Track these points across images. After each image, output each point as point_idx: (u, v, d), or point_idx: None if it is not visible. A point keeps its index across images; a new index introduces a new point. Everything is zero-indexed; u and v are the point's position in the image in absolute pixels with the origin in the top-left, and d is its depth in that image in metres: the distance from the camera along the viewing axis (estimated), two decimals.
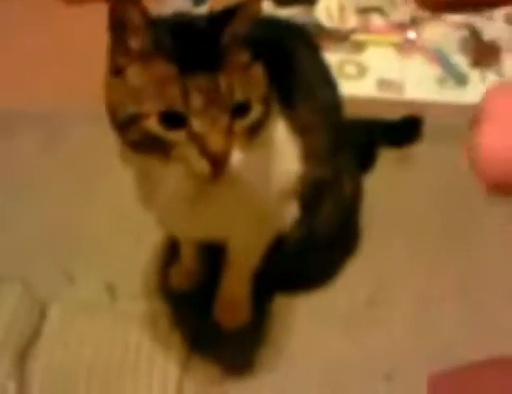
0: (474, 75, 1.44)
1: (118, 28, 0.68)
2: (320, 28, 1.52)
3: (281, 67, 0.81)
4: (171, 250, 1.10)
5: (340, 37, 1.52)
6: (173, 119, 0.67)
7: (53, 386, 0.96)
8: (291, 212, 0.90)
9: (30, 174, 1.25)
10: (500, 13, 1.55)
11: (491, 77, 1.44)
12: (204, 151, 0.67)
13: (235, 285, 1.00)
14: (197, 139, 0.67)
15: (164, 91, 0.67)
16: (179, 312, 1.04)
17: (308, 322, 1.03)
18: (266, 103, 0.72)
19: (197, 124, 0.67)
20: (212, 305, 1.02)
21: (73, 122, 1.32)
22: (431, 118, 1.29)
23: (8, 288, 1.07)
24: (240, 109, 0.69)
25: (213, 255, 1.01)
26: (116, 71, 0.70)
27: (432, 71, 1.45)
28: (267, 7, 1.59)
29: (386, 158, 1.24)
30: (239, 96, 0.68)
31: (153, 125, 0.67)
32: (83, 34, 1.52)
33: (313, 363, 0.98)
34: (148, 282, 1.08)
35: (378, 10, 1.57)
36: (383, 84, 1.43)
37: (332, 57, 1.49)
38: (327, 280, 1.07)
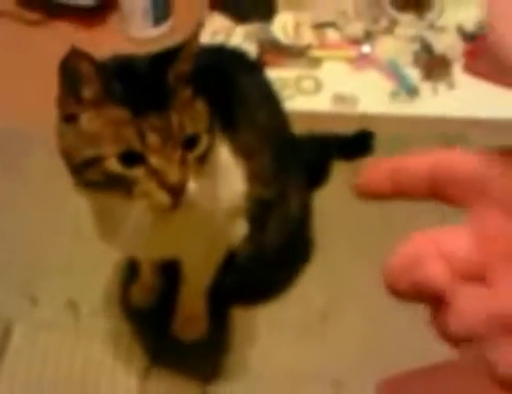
0: (426, 87, 1.49)
1: (69, 79, 0.73)
2: (277, 44, 1.57)
3: (220, 94, 0.86)
4: (131, 268, 1.13)
5: (297, 52, 1.57)
6: (131, 158, 0.72)
7: None
8: (239, 229, 0.94)
9: None
10: (451, 25, 1.60)
11: (442, 89, 1.49)
12: (163, 184, 0.73)
13: (192, 299, 1.04)
14: (155, 174, 0.73)
15: (121, 133, 0.72)
16: (140, 327, 1.08)
17: (264, 331, 1.07)
18: (211, 131, 0.77)
19: (155, 160, 0.73)
20: (171, 320, 1.06)
21: (35, 144, 1.35)
22: (383, 131, 1.34)
23: None
24: (190, 142, 0.75)
25: (171, 272, 1.05)
26: (69, 118, 0.75)
27: (385, 84, 1.50)
28: (226, 25, 1.63)
29: (340, 171, 1.28)
30: (189, 130, 0.74)
31: (113, 165, 0.72)
32: (47, 55, 1.55)
33: (269, 371, 1.02)
34: (109, 299, 1.12)
35: (333, 25, 1.61)
36: (338, 98, 1.47)
37: (290, 72, 1.54)
38: (282, 290, 1.11)
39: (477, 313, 0.30)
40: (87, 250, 1.14)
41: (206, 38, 1.58)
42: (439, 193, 0.33)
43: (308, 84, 1.52)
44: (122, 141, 0.72)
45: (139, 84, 0.74)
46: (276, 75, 1.49)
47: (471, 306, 0.30)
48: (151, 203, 0.74)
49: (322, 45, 1.59)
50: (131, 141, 0.72)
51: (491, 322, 0.29)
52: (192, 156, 0.75)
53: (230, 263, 0.98)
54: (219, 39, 1.58)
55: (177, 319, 1.06)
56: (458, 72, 1.51)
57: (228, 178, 0.86)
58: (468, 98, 1.46)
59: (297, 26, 1.58)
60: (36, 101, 1.43)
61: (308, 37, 1.58)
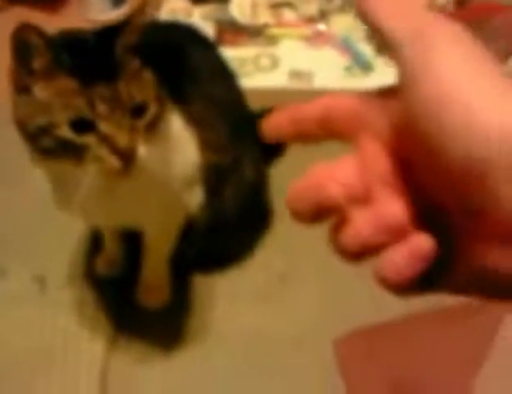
0: (379, 62, 1.54)
1: (21, 51, 0.76)
2: (235, 24, 1.61)
3: (173, 67, 0.90)
4: (95, 240, 1.17)
5: (255, 31, 1.61)
6: (82, 125, 0.76)
7: None
8: (196, 196, 0.98)
9: None
10: None
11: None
12: (114, 149, 0.77)
13: (154, 267, 1.08)
14: (106, 140, 0.77)
15: (71, 102, 0.76)
16: (104, 297, 1.12)
17: (225, 297, 1.11)
18: (159, 100, 0.82)
19: (104, 127, 0.77)
20: (134, 289, 1.10)
21: None
22: None
23: None
24: (139, 109, 0.79)
25: (134, 242, 1.09)
26: (22, 89, 0.78)
27: (340, 60, 1.55)
28: (184, 4, 1.67)
29: (296, 145, 1.32)
30: (137, 98, 0.79)
31: (64, 132, 0.76)
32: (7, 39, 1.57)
33: (230, 333, 1.07)
34: (74, 271, 1.15)
35: (289, 5, 1.65)
36: (295, 74, 1.52)
37: (248, 51, 1.58)
38: (242, 257, 1.15)
39: (367, 227, 0.35)
40: (52, 223, 1.17)
41: (164, 18, 1.62)
42: (329, 130, 0.39)
43: (265, 61, 1.56)
44: (73, 109, 0.76)
45: (88, 56, 0.78)
46: (234, 53, 1.54)
47: (361, 222, 0.35)
48: (103, 168, 0.78)
49: (279, 24, 1.63)
50: (82, 109, 0.76)
51: (377, 231, 0.35)
52: (141, 123, 0.79)
53: (190, 230, 1.02)
54: (177, 20, 1.61)
55: (140, 288, 1.10)
56: None
57: (181, 147, 0.90)
58: None
59: (254, 6, 1.62)
60: None
61: (264, 16, 1.62)
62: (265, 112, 1.18)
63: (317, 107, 0.39)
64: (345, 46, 1.57)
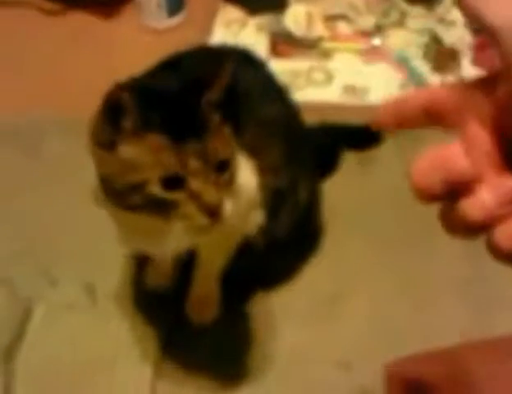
0: (435, 79, 1.52)
1: (110, 108, 0.78)
2: (289, 36, 1.60)
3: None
4: None
5: (309, 44, 1.60)
6: (172, 182, 0.78)
7: (36, 384, 1.03)
8: (256, 218, 0.98)
9: (11, 180, 1.32)
10: (460, 18, 1.63)
11: (451, 81, 1.52)
12: (203, 206, 0.78)
13: (205, 283, 1.08)
14: (195, 197, 0.78)
15: (162, 159, 0.78)
16: (154, 310, 1.12)
17: (275, 317, 1.11)
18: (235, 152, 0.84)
19: (195, 184, 0.78)
20: (184, 303, 1.10)
21: (48, 131, 1.39)
22: None
23: None
24: (222, 165, 0.81)
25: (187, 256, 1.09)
26: (108, 146, 0.80)
27: (395, 76, 1.53)
28: (239, 15, 1.66)
29: (349, 161, 1.32)
30: (221, 155, 0.81)
31: (156, 189, 0.78)
32: (64, 44, 1.59)
33: (279, 353, 1.06)
34: (125, 282, 1.16)
35: (344, 18, 1.64)
36: (349, 89, 1.50)
37: (301, 64, 1.57)
38: (292, 278, 1.15)
39: (492, 198, 0.40)
40: (103, 233, 1.17)
41: (219, 29, 1.62)
42: (435, 117, 0.44)
43: (319, 75, 1.55)
44: (165, 167, 0.77)
45: (175, 112, 0.79)
46: (287, 66, 1.54)
47: (486, 194, 0.40)
48: (190, 224, 0.80)
49: (334, 37, 1.62)
50: (173, 166, 0.77)
51: (500, 203, 0.40)
52: (224, 178, 0.81)
53: (244, 250, 1.02)
54: (232, 31, 1.61)
55: (190, 302, 1.10)
56: (466, 65, 1.54)
57: (243, 174, 0.89)
58: None
59: (309, 18, 1.61)
60: (54, 89, 1.47)
61: (319, 29, 1.61)
62: (320, 129, 1.18)
63: (422, 96, 0.44)
64: (401, 62, 1.55)
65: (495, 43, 0.39)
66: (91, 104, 0.81)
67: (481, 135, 0.41)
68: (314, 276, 1.15)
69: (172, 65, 0.99)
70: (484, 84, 0.42)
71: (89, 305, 1.13)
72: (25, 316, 1.11)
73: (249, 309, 1.12)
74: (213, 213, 0.78)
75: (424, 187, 0.42)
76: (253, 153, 0.94)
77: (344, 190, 1.25)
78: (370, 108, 1.45)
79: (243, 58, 1.09)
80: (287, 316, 1.11)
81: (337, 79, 1.53)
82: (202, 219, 0.79)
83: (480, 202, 0.40)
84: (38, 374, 1.05)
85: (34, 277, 1.16)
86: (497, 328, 1.07)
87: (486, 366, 0.95)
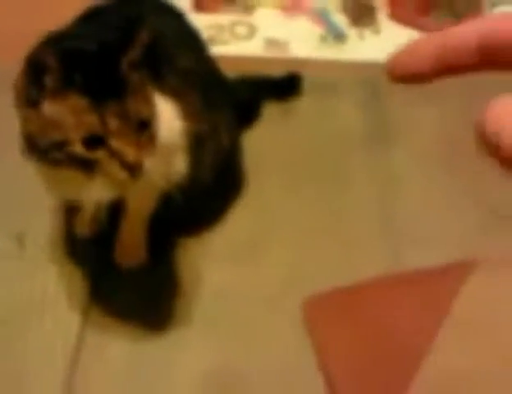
0: (353, 33, 1.57)
1: (33, 68, 0.81)
2: None
3: None
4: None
5: None
6: (93, 141, 0.82)
7: None
8: (180, 165, 1.02)
9: None
10: None
11: (368, 35, 1.58)
12: (123, 164, 0.83)
13: (132, 229, 1.12)
14: (115, 155, 0.83)
15: (84, 120, 0.81)
16: (82, 258, 1.15)
17: (199, 259, 1.16)
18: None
19: (114, 143, 0.82)
20: (112, 250, 1.14)
21: None
22: (312, 74, 1.43)
23: None
24: (143, 124, 0.85)
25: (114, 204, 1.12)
26: (31, 104, 0.83)
27: (315, 30, 1.58)
28: None
29: (270, 112, 1.37)
30: (143, 114, 0.85)
31: (77, 148, 0.82)
32: None
33: (204, 292, 1.11)
34: (54, 231, 1.19)
35: None
36: (270, 43, 1.55)
37: (224, 18, 1.60)
38: (216, 222, 1.20)
39: None
40: (33, 183, 1.19)
41: None
42: (491, 59, 0.33)
43: (241, 29, 1.59)
44: (86, 127, 0.81)
45: (96, 72, 0.82)
46: (211, 20, 1.57)
47: None
48: (112, 180, 0.85)
49: None
50: (93, 126, 0.81)
51: None
52: (145, 137, 0.85)
53: (169, 196, 1.06)
54: None
55: (117, 247, 1.13)
56: (383, 19, 1.60)
57: (165, 119, 0.93)
58: (392, 43, 1.55)
59: None
60: None
61: None
62: (241, 80, 1.24)
63: (474, 30, 0.33)
64: (320, 16, 1.60)
65: None
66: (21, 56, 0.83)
67: None
68: (236, 221, 1.20)
69: (94, 18, 1.02)
70: None
71: (17, 254, 1.15)
72: None
73: (174, 254, 1.16)
74: (134, 169, 0.82)
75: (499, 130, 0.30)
76: (175, 98, 0.98)
77: (266, 140, 1.30)
78: (291, 61, 1.50)
79: (161, 8, 1.12)
80: (211, 260, 1.16)
81: (259, 33, 1.58)
82: (122, 175, 0.83)
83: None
84: None
85: None
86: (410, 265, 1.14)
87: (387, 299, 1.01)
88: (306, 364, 1.01)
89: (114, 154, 0.82)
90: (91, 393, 1.01)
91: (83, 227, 1.17)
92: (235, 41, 1.56)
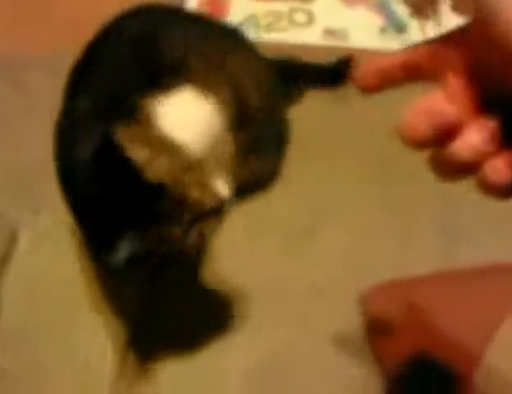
0: (414, 25, 1.54)
1: None
2: None
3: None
4: None
5: None
6: None
7: (23, 301, 1.07)
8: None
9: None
10: None
11: (430, 27, 1.54)
12: None
13: None
14: None
15: None
16: None
17: (247, 243, 1.14)
18: None
19: None
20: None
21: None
22: None
23: None
24: None
25: None
26: None
27: (375, 20, 1.55)
28: None
29: (322, 97, 1.34)
30: None
31: None
32: None
33: (253, 283, 1.09)
34: None
35: None
36: (329, 32, 1.53)
37: (283, 5, 1.59)
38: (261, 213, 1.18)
39: (478, 138, 0.45)
40: None
41: None
42: (414, 74, 0.49)
43: (300, 17, 1.57)
44: None
45: None
46: (269, 7, 1.55)
47: (474, 134, 0.45)
48: None
49: None
50: None
51: (485, 141, 0.45)
52: None
53: None
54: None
55: None
56: (445, 11, 1.57)
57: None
58: None
59: None
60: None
61: None
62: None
63: (401, 55, 0.49)
64: (381, 6, 1.58)
65: None
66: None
67: (459, 86, 0.46)
68: (290, 210, 1.18)
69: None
70: (452, 37, 0.47)
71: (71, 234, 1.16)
72: (11, 240, 1.13)
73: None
74: None
75: (415, 134, 0.47)
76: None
77: (318, 125, 1.28)
78: (349, 51, 1.48)
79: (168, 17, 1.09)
80: (259, 244, 1.14)
81: (318, 21, 1.56)
82: None
83: (468, 141, 0.45)
84: (26, 292, 1.09)
85: (19, 206, 1.18)
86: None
87: (443, 299, 0.99)
88: (363, 359, 0.99)
89: None
90: None
91: None
92: (293, 28, 1.54)
